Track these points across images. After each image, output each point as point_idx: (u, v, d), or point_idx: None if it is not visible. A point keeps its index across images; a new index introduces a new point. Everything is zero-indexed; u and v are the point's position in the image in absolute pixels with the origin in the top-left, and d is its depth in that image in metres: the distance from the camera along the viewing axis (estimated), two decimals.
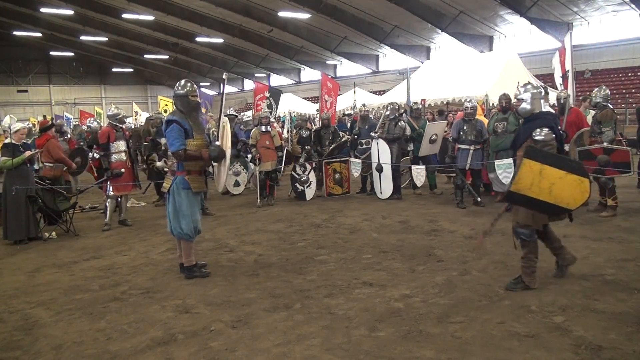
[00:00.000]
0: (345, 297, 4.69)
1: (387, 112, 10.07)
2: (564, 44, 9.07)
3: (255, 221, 8.41)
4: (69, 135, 11.92)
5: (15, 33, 35.45)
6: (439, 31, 25.53)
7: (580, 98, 9.86)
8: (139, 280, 5.47)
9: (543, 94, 4.89)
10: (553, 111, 4.84)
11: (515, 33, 25.80)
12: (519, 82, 11.81)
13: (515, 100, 5.06)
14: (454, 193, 9.11)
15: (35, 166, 8.43)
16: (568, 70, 8.83)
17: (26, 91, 43.49)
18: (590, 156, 7.59)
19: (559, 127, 4.94)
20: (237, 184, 11.21)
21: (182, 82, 5.53)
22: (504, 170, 8.34)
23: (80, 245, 7.18)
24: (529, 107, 4.82)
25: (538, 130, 4.66)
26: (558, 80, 9.30)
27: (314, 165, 10.44)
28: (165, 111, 18.61)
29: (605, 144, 7.51)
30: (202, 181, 5.52)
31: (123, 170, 8.16)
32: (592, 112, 9.16)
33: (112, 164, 8.14)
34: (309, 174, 10.23)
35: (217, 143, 5.35)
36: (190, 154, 5.23)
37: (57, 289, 5.28)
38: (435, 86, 15.71)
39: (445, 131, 10.47)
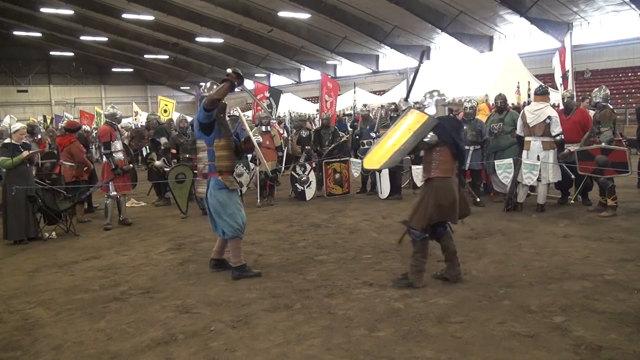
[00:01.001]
0: (345, 297, 4.69)
1: (383, 112, 10.07)
2: (564, 44, 9.08)
3: (255, 221, 8.40)
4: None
5: (15, 33, 35.45)
6: (439, 31, 25.53)
7: (580, 98, 9.86)
8: (139, 281, 5.47)
9: (446, 100, 5.08)
10: (457, 118, 5.04)
11: (515, 33, 25.80)
12: (519, 83, 11.78)
13: (419, 105, 5.27)
14: None
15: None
16: (568, 70, 8.84)
17: (26, 91, 43.48)
18: (589, 156, 7.59)
19: (460, 134, 5.04)
20: (239, 184, 11.18)
21: (208, 84, 5.61)
22: (503, 170, 8.34)
23: (80, 245, 7.18)
24: (432, 112, 4.95)
25: (430, 133, 4.75)
26: (558, 80, 9.31)
27: (314, 165, 10.44)
28: (165, 111, 18.62)
29: (603, 144, 7.52)
30: (234, 180, 5.56)
31: (131, 165, 8.21)
32: (591, 112, 9.16)
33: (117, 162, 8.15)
34: (308, 174, 10.24)
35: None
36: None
37: (57, 289, 5.28)
38: (435, 86, 15.68)
39: None
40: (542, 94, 8.21)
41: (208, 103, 5.12)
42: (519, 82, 13.35)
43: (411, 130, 4.67)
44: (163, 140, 9.52)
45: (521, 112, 8.22)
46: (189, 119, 10.47)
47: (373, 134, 9.86)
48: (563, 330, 3.82)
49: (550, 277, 5.01)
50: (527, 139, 8.08)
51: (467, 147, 8.69)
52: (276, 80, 40.14)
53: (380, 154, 4.68)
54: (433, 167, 4.85)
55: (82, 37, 35.17)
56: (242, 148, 5.72)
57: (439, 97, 5.01)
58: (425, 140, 4.73)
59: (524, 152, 8.11)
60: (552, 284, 4.80)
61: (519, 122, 8.15)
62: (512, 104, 10.54)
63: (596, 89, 8.08)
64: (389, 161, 4.68)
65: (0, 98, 41.74)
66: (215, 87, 5.41)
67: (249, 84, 40.57)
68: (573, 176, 8.03)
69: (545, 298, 4.45)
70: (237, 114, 11.96)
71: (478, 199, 8.82)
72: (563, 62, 9.06)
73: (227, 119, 5.84)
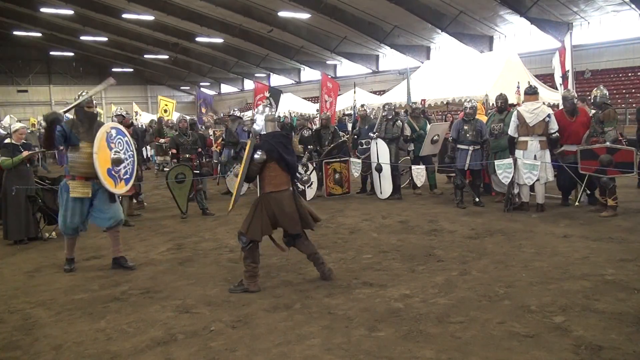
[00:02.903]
0: (345, 297, 4.69)
1: (385, 113, 10.07)
2: (564, 44, 9.07)
3: None
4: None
5: (15, 33, 35.44)
6: (439, 31, 25.53)
7: (580, 98, 9.85)
8: (139, 280, 5.47)
9: (276, 116, 5.30)
10: (284, 133, 5.25)
11: (515, 33, 25.80)
12: (519, 83, 11.77)
13: (249, 121, 5.52)
14: (454, 193, 9.11)
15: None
16: (568, 70, 8.83)
17: (26, 91, 43.50)
18: (593, 155, 7.59)
19: (288, 147, 5.15)
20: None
21: (81, 92, 5.90)
22: (503, 170, 8.33)
23: (80, 245, 7.14)
24: (259, 128, 5.12)
25: (258, 151, 4.92)
26: (558, 80, 9.30)
27: (314, 165, 10.44)
28: (165, 111, 18.63)
29: (608, 143, 7.52)
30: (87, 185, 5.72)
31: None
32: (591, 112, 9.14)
33: None
34: (310, 173, 10.23)
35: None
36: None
37: (57, 289, 5.28)
38: (436, 86, 15.71)
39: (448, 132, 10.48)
40: (534, 94, 8.23)
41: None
42: (519, 82, 13.32)
43: (245, 159, 4.98)
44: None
45: (515, 113, 8.16)
46: (187, 117, 10.47)
47: (372, 134, 9.85)
48: (563, 330, 3.82)
49: (550, 277, 5.01)
50: (523, 138, 8.06)
51: (466, 147, 8.72)
52: (276, 80, 40.14)
53: (234, 193, 5.11)
54: (266, 182, 5.04)
55: (82, 37, 35.18)
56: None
57: (268, 112, 5.17)
58: (255, 158, 4.91)
59: (520, 152, 8.08)
60: (552, 284, 4.80)
61: (513, 123, 8.10)
62: (512, 104, 10.54)
63: (595, 89, 8.08)
64: (236, 196, 5.11)
65: (0, 98, 41.73)
66: (84, 94, 5.80)
67: (249, 83, 40.61)
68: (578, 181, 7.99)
69: (545, 298, 4.45)
70: (237, 115, 11.99)
71: (477, 199, 8.82)
72: (563, 62, 9.05)
73: (228, 119, 6.04)
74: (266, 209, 4.96)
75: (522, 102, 8.55)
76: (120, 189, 5.96)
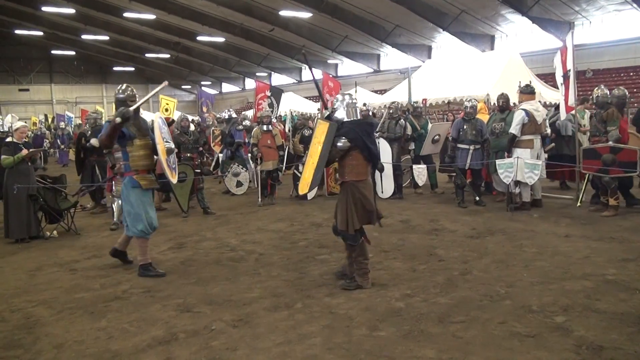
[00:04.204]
0: (346, 297, 4.69)
1: (391, 111, 10.07)
2: (565, 43, 9.04)
3: (256, 220, 8.42)
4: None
5: (17, 32, 35.44)
6: (441, 30, 25.50)
7: (581, 98, 9.84)
8: (140, 279, 5.47)
9: (356, 103, 5.17)
10: (368, 121, 5.16)
11: (517, 32, 25.76)
12: (521, 82, 11.80)
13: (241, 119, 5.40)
14: (454, 192, 9.10)
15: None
16: (569, 70, 8.80)
17: (28, 90, 43.49)
18: (596, 155, 7.58)
19: (371, 136, 5.11)
20: (239, 184, 11.21)
21: (123, 86, 5.78)
22: (505, 169, 8.32)
23: (81, 244, 7.19)
24: (341, 116, 5.01)
25: (342, 138, 4.82)
26: (559, 79, 9.27)
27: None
28: (167, 110, 18.62)
29: (611, 142, 7.51)
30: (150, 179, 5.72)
31: None
32: (588, 113, 9.15)
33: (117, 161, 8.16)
34: None
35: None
36: (101, 139, 5.51)
37: (58, 288, 5.28)
38: (437, 85, 15.70)
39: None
40: (533, 93, 8.30)
41: (103, 145, 5.65)
42: (520, 82, 13.31)
43: (320, 142, 4.80)
44: (94, 140, 9.44)
45: (522, 112, 8.13)
46: (190, 117, 10.48)
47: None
48: (564, 330, 3.82)
49: (551, 277, 5.00)
50: (529, 137, 8.09)
51: (467, 147, 8.71)
52: (277, 79, 40.11)
53: (306, 175, 4.85)
54: (347, 171, 4.94)
55: (84, 36, 35.17)
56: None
57: (349, 100, 5.08)
58: (338, 145, 4.81)
59: (527, 151, 8.07)
60: (554, 284, 4.79)
61: (521, 121, 8.07)
62: (514, 103, 10.52)
63: (597, 89, 8.07)
64: (314, 181, 4.85)
65: (2, 97, 41.72)
66: (129, 91, 5.73)
67: (250, 83, 40.62)
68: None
69: (547, 298, 4.45)
70: (230, 116, 12.01)
71: (477, 198, 8.82)
72: (564, 61, 9.02)
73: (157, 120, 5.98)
74: (353, 198, 4.83)
75: (521, 102, 8.53)
76: (174, 178, 6.05)
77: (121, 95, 5.66)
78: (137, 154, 5.56)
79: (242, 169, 11.20)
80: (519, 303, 4.36)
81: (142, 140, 5.60)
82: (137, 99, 5.79)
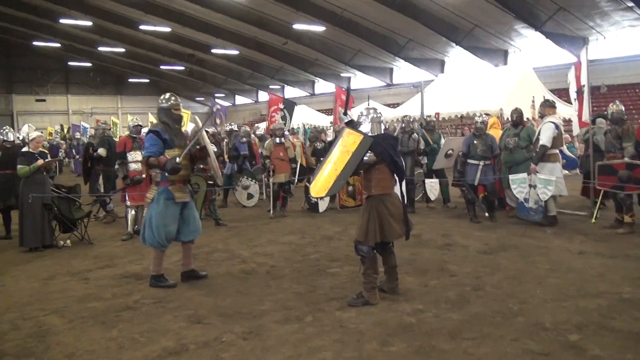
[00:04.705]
0: (357, 311, 4.67)
1: (403, 125, 10.08)
2: (579, 58, 9.01)
3: (267, 232, 8.42)
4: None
5: (35, 43, 36.03)
6: (454, 45, 25.52)
7: (595, 114, 9.77)
8: (152, 290, 5.48)
9: (381, 118, 5.19)
10: (392, 135, 5.13)
11: (531, 47, 25.70)
12: (534, 97, 11.68)
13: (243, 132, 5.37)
14: (466, 208, 9.05)
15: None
16: (584, 85, 8.77)
17: (44, 100, 44.10)
18: (611, 171, 7.51)
19: (396, 150, 5.08)
20: (250, 196, 11.24)
21: (167, 95, 5.76)
22: (518, 185, 8.28)
23: (94, 254, 7.24)
24: (366, 130, 5.02)
25: (368, 152, 4.80)
26: (573, 95, 9.24)
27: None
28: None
29: (627, 159, 7.44)
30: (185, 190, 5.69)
31: (144, 176, 8.26)
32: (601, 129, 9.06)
33: (130, 173, 8.24)
34: None
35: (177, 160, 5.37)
36: (150, 162, 5.43)
37: (70, 297, 5.31)
38: (450, 100, 15.69)
39: None
40: (555, 107, 8.35)
41: (148, 164, 5.51)
42: (533, 97, 13.29)
43: (349, 151, 4.73)
44: (101, 150, 9.56)
45: (554, 124, 8.14)
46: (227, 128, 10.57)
47: None
48: (578, 349, 3.76)
49: (565, 294, 4.94)
50: (554, 151, 8.14)
51: (477, 162, 8.68)
52: (290, 92, 40.29)
53: (323, 179, 4.75)
54: (373, 184, 4.91)
55: (100, 48, 35.68)
56: (196, 156, 5.86)
57: (374, 114, 5.12)
58: (365, 159, 4.80)
59: (554, 165, 8.08)
60: (567, 301, 4.74)
61: (552, 134, 8.06)
62: (527, 118, 10.48)
63: (612, 104, 8.03)
64: (334, 187, 4.76)
65: (20, 107, 42.39)
66: (173, 99, 5.71)
67: (263, 95, 40.88)
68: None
69: (560, 315, 4.39)
70: (234, 129, 12.09)
71: (487, 214, 8.75)
72: (578, 76, 8.99)
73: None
74: (377, 212, 4.82)
75: (545, 115, 8.48)
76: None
77: (165, 105, 5.64)
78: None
79: (251, 181, 11.24)
80: (532, 320, 4.31)
81: (180, 151, 5.53)
82: (181, 108, 5.86)
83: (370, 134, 4.94)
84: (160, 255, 5.61)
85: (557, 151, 8.27)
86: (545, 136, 8.09)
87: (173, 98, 5.72)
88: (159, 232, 5.46)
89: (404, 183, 9.44)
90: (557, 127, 8.11)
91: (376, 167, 4.88)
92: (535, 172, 8.01)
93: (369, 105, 15.08)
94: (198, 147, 5.87)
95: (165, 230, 5.49)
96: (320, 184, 4.75)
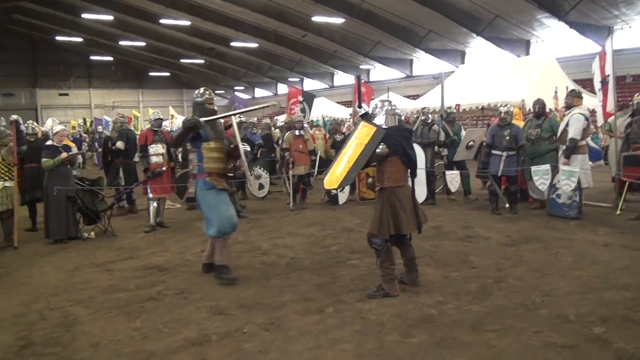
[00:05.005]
0: (377, 302, 4.67)
1: (423, 117, 10.02)
2: (604, 47, 8.82)
3: (288, 225, 8.45)
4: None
5: (58, 38, 36.54)
6: (474, 35, 25.20)
7: (620, 104, 9.57)
8: (174, 281, 5.56)
9: (396, 110, 5.14)
10: (406, 127, 5.08)
11: (553, 37, 25.26)
12: (557, 88, 11.49)
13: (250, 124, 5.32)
14: (488, 199, 8.97)
15: (75, 172, 8.66)
16: (608, 75, 8.58)
17: (67, 94, 44.75)
18: (637, 162, 7.38)
19: (410, 143, 5.05)
20: (261, 186, 11.32)
21: (201, 90, 5.79)
22: (540, 176, 8.17)
23: (117, 245, 7.35)
24: (381, 122, 4.99)
25: (381, 144, 4.78)
26: (597, 85, 9.06)
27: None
28: None
29: None
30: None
31: (164, 169, 8.35)
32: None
33: (151, 165, 8.33)
34: None
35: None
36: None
37: (95, 288, 5.41)
38: (470, 91, 15.51)
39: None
40: (582, 97, 8.27)
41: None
42: (556, 87, 13.07)
43: (362, 143, 4.73)
44: (119, 143, 9.64)
45: (584, 116, 8.11)
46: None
47: None
48: (603, 342, 3.72)
49: (589, 286, 4.88)
50: (583, 142, 8.11)
51: (500, 153, 8.57)
52: (309, 84, 40.26)
53: (338, 172, 4.76)
54: (386, 177, 4.89)
55: (121, 42, 36.04)
56: (230, 155, 5.90)
57: (389, 107, 5.10)
58: (377, 151, 4.78)
59: (584, 157, 8.11)
60: (592, 294, 4.67)
61: (582, 126, 8.04)
62: (550, 109, 10.32)
63: (637, 94, 7.88)
64: (346, 179, 4.76)
65: (44, 101, 43.09)
66: (207, 94, 5.75)
67: (282, 88, 40.93)
68: None
69: (584, 308, 4.34)
70: (243, 120, 12.13)
71: (507, 205, 8.65)
72: (603, 66, 8.80)
73: (235, 123, 6.10)
74: (390, 204, 4.82)
75: (573, 106, 8.36)
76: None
77: (199, 99, 5.68)
78: (211, 156, 5.54)
79: (263, 171, 11.30)
80: (556, 313, 4.26)
81: (217, 144, 5.59)
82: (214, 102, 5.88)
83: (384, 126, 4.92)
84: (224, 243, 5.57)
85: (584, 142, 8.17)
86: (575, 128, 8.00)
87: (207, 92, 5.76)
88: (220, 220, 5.42)
89: (423, 175, 9.44)
90: (586, 118, 8.03)
91: (389, 160, 4.86)
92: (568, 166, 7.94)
93: (388, 97, 15.03)
94: (232, 146, 5.87)
95: (227, 215, 5.48)
96: (335, 177, 4.77)
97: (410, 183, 5.03)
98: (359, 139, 4.77)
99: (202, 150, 5.53)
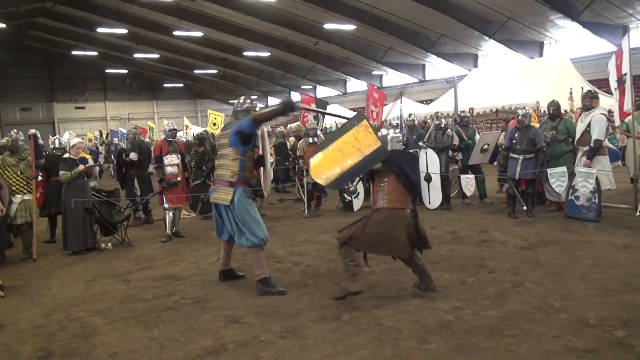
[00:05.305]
0: (394, 309, 4.64)
1: (437, 122, 9.99)
2: (621, 46, 8.72)
3: (303, 232, 8.45)
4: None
5: (74, 53, 37.11)
6: (487, 38, 25.05)
7: (638, 103, 9.44)
8: (191, 290, 5.58)
9: (400, 138, 5.29)
10: (412, 153, 5.14)
11: (567, 38, 25.03)
12: (572, 89, 11.36)
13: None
14: (506, 202, 8.89)
15: (94, 183, 8.79)
16: (625, 74, 8.47)
17: (84, 108, 45.33)
18: None
19: (415, 168, 5.13)
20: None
21: (241, 99, 5.74)
22: (557, 179, 8.09)
23: (134, 256, 7.40)
24: (387, 147, 5.01)
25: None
26: (613, 84, 8.95)
27: (361, 175, 10.39)
28: (214, 125, 19.06)
29: None
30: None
31: (179, 179, 8.41)
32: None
33: (166, 176, 8.39)
34: (357, 184, 10.17)
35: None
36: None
37: (113, 298, 5.45)
38: (484, 94, 15.45)
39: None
40: (598, 98, 8.25)
41: (258, 119, 5.33)
42: (571, 88, 12.96)
43: (362, 152, 4.66)
44: (133, 154, 9.71)
45: (604, 116, 8.07)
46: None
47: (421, 143, 9.77)
48: (625, 346, 3.65)
49: (609, 289, 4.80)
50: (604, 143, 8.06)
51: (517, 156, 8.50)
52: (322, 91, 40.32)
53: (333, 170, 4.70)
54: (379, 197, 4.88)
55: (135, 55, 36.47)
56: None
57: (394, 134, 5.24)
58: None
59: (605, 158, 8.06)
60: (612, 297, 4.60)
61: (605, 127, 8.03)
62: (565, 110, 10.22)
63: None
64: (337, 181, 4.78)
65: (61, 115, 43.69)
66: (248, 101, 5.68)
67: (295, 96, 41.11)
68: None
69: (605, 312, 4.27)
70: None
71: (525, 207, 8.56)
72: (619, 65, 8.69)
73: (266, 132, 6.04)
74: (369, 225, 4.75)
75: (592, 107, 8.28)
76: (266, 190, 6.16)
77: (240, 109, 5.62)
78: (249, 165, 5.48)
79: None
80: (575, 317, 4.20)
81: (253, 153, 5.53)
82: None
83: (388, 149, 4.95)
84: (261, 254, 5.43)
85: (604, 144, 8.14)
86: (599, 129, 7.93)
87: (249, 100, 5.73)
88: (263, 230, 5.38)
89: (438, 180, 9.38)
90: (607, 119, 8.00)
91: (385, 179, 4.87)
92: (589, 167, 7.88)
93: (401, 102, 14.99)
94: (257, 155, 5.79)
95: (264, 225, 5.46)
96: (324, 171, 4.72)
97: (409, 208, 4.87)
98: (358, 141, 4.69)
99: (247, 157, 5.42)
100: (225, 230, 5.61)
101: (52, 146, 9.06)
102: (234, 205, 5.34)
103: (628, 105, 8.51)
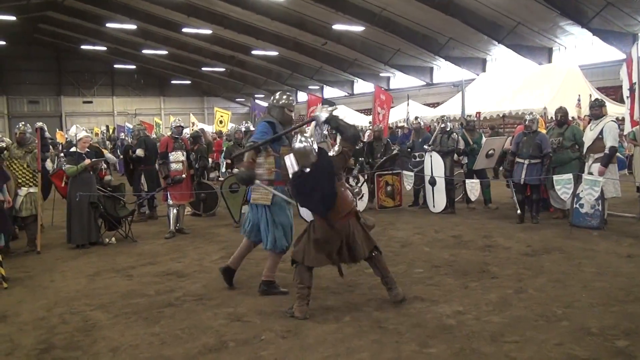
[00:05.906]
0: (395, 312, 4.64)
1: (443, 125, 9.98)
2: (630, 55, 8.68)
3: None
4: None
5: (83, 47, 37.26)
6: (496, 43, 24.99)
7: None
8: (193, 287, 5.59)
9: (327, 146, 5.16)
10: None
11: (576, 44, 24.93)
12: (580, 96, 11.35)
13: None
14: (518, 207, 8.84)
15: (109, 177, 8.87)
16: (635, 83, 8.44)
17: (91, 102, 45.47)
18: None
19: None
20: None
21: (277, 95, 5.54)
22: (562, 185, 8.06)
23: (137, 251, 7.42)
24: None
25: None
26: (625, 92, 8.91)
27: (365, 177, 10.41)
28: (221, 122, 19.10)
29: None
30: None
31: (184, 176, 8.42)
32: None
33: (171, 172, 8.41)
34: (361, 185, 10.20)
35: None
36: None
37: (115, 293, 5.47)
38: (491, 99, 15.41)
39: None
40: (605, 105, 8.23)
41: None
42: (579, 95, 12.91)
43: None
44: (139, 151, 9.73)
45: (615, 124, 8.09)
46: (243, 128, 10.55)
47: (427, 147, 9.77)
48: (627, 356, 3.64)
49: (612, 298, 4.78)
50: None
51: (523, 161, 8.48)
52: (329, 92, 40.33)
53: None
54: None
55: (144, 51, 36.58)
56: None
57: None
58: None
59: (614, 166, 8.05)
60: (615, 306, 4.58)
61: (617, 134, 8.05)
62: (573, 117, 10.19)
63: None
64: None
65: (68, 109, 43.88)
66: (284, 97, 5.47)
67: (302, 96, 41.11)
68: None
69: (607, 320, 4.25)
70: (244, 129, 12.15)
71: (519, 212, 8.53)
72: (630, 73, 8.66)
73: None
74: (313, 231, 4.68)
75: (603, 115, 8.25)
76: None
77: (280, 103, 5.38)
78: (282, 164, 5.08)
79: None
80: (577, 325, 4.19)
81: (286, 150, 5.14)
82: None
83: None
84: (278, 260, 5.31)
85: None
86: (612, 136, 7.90)
87: (285, 96, 5.50)
88: (288, 238, 5.23)
89: (442, 184, 9.35)
90: (618, 127, 7.98)
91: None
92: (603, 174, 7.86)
93: (408, 105, 14.97)
94: None
95: (290, 234, 5.29)
96: None
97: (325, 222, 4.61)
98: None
99: (280, 155, 5.13)
100: (254, 230, 5.34)
101: (68, 139, 9.09)
102: (273, 205, 5.15)
103: (637, 114, 8.47)
